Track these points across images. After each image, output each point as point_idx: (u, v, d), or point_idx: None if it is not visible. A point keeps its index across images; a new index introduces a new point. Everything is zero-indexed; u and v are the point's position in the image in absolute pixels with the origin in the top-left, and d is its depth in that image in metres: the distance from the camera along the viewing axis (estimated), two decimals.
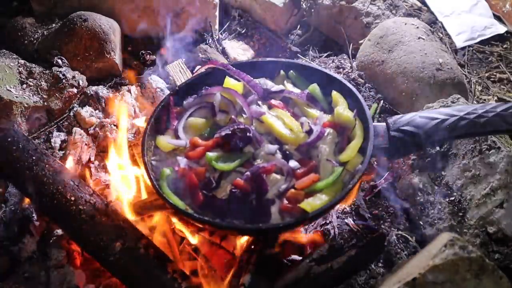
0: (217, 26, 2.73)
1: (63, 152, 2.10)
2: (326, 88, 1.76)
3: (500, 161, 1.68)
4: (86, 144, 2.07)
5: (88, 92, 2.31)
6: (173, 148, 1.67)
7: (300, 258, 1.66)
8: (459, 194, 1.72)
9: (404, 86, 2.24)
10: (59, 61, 2.33)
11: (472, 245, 1.48)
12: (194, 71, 2.30)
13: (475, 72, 2.64)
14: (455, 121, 1.53)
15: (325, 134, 1.62)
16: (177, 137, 1.69)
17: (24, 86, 2.22)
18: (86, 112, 2.23)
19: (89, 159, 2.07)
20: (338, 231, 1.74)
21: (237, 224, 1.48)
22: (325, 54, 2.68)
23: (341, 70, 2.50)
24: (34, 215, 1.79)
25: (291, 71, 1.85)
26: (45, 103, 2.21)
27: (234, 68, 1.81)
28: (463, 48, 2.75)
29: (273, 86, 1.78)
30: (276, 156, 1.58)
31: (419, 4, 2.92)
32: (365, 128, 1.62)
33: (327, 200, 1.48)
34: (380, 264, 1.70)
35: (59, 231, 1.76)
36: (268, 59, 1.98)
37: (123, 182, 1.88)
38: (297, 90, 1.78)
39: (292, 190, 1.51)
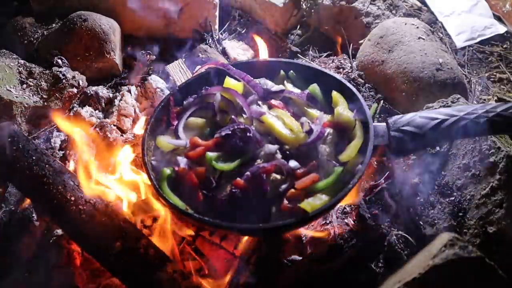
0: (217, 26, 2.73)
1: (63, 152, 2.10)
2: (326, 88, 1.76)
3: (500, 161, 1.68)
4: (86, 144, 2.07)
5: (88, 92, 2.31)
6: (173, 148, 1.67)
7: (300, 258, 1.67)
8: (459, 194, 1.72)
9: (404, 86, 2.24)
10: (59, 61, 2.33)
11: (472, 245, 1.48)
12: (194, 71, 2.30)
13: (475, 72, 2.64)
14: (455, 121, 1.53)
15: (325, 134, 1.62)
16: (177, 137, 1.69)
17: (24, 86, 2.22)
18: (86, 112, 2.23)
19: (89, 159, 2.07)
20: (338, 231, 1.74)
21: (237, 224, 1.48)
22: (325, 54, 2.68)
23: (341, 70, 2.50)
24: (34, 215, 1.79)
25: (291, 71, 1.85)
26: (45, 103, 2.22)
27: (234, 68, 1.81)
28: (463, 48, 2.75)
29: (273, 86, 1.78)
30: (276, 156, 1.58)
31: (419, 4, 2.92)
32: (365, 128, 1.62)
33: (327, 200, 1.48)
34: (380, 264, 1.70)
35: (59, 231, 1.76)
36: (268, 59, 1.98)
37: (124, 184, 1.88)
38: (297, 90, 1.78)
39: (292, 190, 1.51)
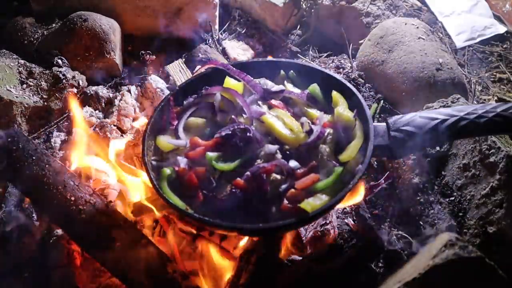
0: (217, 26, 2.73)
1: (63, 152, 2.10)
2: (326, 88, 1.76)
3: (500, 161, 1.68)
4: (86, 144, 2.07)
5: (88, 92, 2.31)
6: (173, 148, 1.67)
7: (300, 258, 1.67)
8: (459, 194, 1.72)
9: (404, 86, 2.24)
10: (59, 61, 2.33)
11: (472, 245, 1.48)
12: (194, 71, 2.30)
13: (475, 72, 2.64)
14: (455, 121, 1.53)
15: (325, 134, 1.62)
16: (177, 137, 1.69)
17: (24, 86, 2.22)
18: (86, 112, 2.23)
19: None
20: (338, 231, 1.74)
21: (237, 224, 1.48)
22: (325, 54, 2.68)
23: (341, 70, 2.50)
24: (34, 215, 1.79)
25: (291, 71, 1.85)
26: (45, 103, 2.21)
27: (234, 68, 1.81)
28: (463, 48, 2.75)
29: (273, 86, 1.78)
30: (276, 156, 1.58)
31: (419, 4, 2.92)
32: (365, 128, 1.62)
33: (327, 200, 1.48)
34: (380, 264, 1.70)
35: (59, 231, 1.76)
36: (268, 59, 1.98)
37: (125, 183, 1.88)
38: (297, 90, 1.78)
39: (292, 190, 1.51)
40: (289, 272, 1.62)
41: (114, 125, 2.17)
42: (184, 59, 2.44)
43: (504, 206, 1.61)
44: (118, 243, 1.57)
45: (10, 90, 2.16)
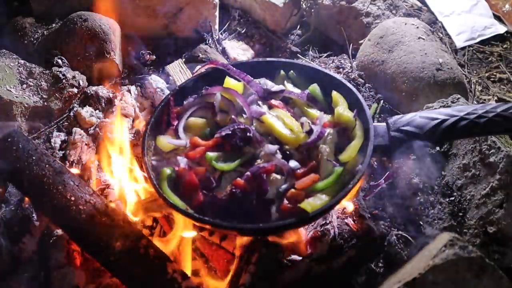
0: (217, 26, 2.73)
1: (63, 152, 2.10)
2: (326, 88, 1.76)
3: (500, 161, 1.68)
4: (86, 144, 2.07)
5: (88, 92, 2.31)
6: (173, 148, 1.67)
7: (300, 258, 1.67)
8: (459, 194, 1.72)
9: (404, 86, 2.24)
10: (59, 61, 2.33)
11: (472, 245, 1.48)
12: (194, 71, 2.30)
13: (475, 72, 2.64)
14: (455, 121, 1.53)
15: (325, 134, 1.62)
16: (177, 137, 1.69)
17: (24, 86, 2.22)
18: (86, 112, 2.22)
19: (89, 159, 2.07)
20: (338, 231, 1.74)
21: (237, 224, 1.48)
22: (325, 54, 2.68)
23: (341, 70, 2.50)
24: (34, 215, 1.79)
25: (291, 71, 1.85)
26: (45, 103, 2.21)
27: (234, 68, 1.81)
28: (463, 48, 2.75)
29: (273, 86, 1.78)
30: (276, 156, 1.58)
31: (419, 4, 2.92)
32: (365, 128, 1.62)
33: (327, 200, 1.48)
34: (380, 264, 1.70)
35: (59, 231, 1.76)
36: (268, 59, 1.98)
37: (124, 182, 1.88)
38: (297, 90, 1.78)
39: (292, 190, 1.51)
40: (289, 272, 1.62)
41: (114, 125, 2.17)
42: (184, 59, 2.44)
43: (504, 206, 1.61)
44: (118, 243, 1.57)
45: (10, 90, 2.16)
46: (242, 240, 1.70)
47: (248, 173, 1.51)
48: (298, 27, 2.82)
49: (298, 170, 1.54)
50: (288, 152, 1.61)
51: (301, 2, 2.80)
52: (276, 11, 2.74)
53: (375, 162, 2.02)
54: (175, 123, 1.72)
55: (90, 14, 2.45)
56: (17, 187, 1.78)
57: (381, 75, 2.35)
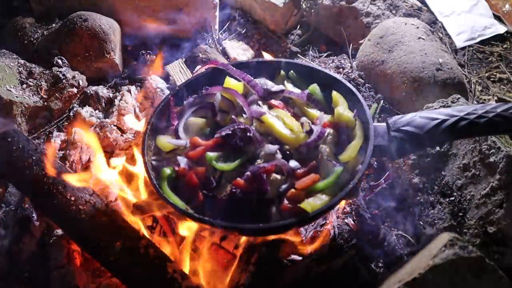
0: (217, 26, 2.73)
1: (63, 152, 2.10)
2: (327, 88, 1.76)
3: (500, 161, 1.68)
4: (85, 144, 2.07)
5: (88, 92, 2.31)
6: (173, 148, 1.67)
7: (300, 258, 1.67)
8: (459, 194, 1.72)
9: (404, 86, 2.24)
10: (59, 61, 2.33)
11: (472, 245, 1.48)
12: (194, 71, 2.30)
13: (475, 72, 2.64)
14: (455, 121, 1.53)
15: (325, 134, 1.62)
16: (177, 137, 1.69)
17: (24, 86, 2.22)
18: (86, 112, 2.23)
19: (89, 159, 2.07)
20: (338, 231, 1.74)
21: (237, 224, 1.48)
22: (325, 54, 2.68)
23: (341, 70, 2.50)
24: (34, 215, 1.79)
25: (291, 71, 1.85)
26: (45, 103, 2.21)
27: (234, 68, 1.81)
28: (463, 48, 2.75)
29: (273, 86, 1.78)
30: (276, 156, 1.58)
31: (419, 4, 2.92)
32: (366, 128, 1.62)
33: (327, 200, 1.48)
34: (380, 264, 1.70)
35: (59, 231, 1.76)
36: (268, 59, 1.97)
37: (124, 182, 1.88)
38: (297, 90, 1.78)
39: (292, 190, 1.51)
40: (289, 272, 1.62)
41: (114, 125, 2.17)
42: (184, 59, 2.44)
43: (504, 206, 1.61)
44: (118, 243, 1.57)
45: (10, 90, 2.16)
46: (242, 240, 1.70)
47: (248, 173, 1.51)
48: (298, 27, 2.82)
49: (298, 170, 1.54)
50: (288, 152, 1.61)
51: (301, 2, 2.79)
52: (276, 11, 2.74)
53: (375, 162, 2.02)
54: (175, 123, 1.72)
55: (90, 14, 2.46)
56: (17, 187, 1.78)
57: (381, 75, 2.35)
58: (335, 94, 1.73)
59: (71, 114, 2.25)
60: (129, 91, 2.33)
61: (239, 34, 2.79)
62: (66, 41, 2.39)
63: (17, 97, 2.15)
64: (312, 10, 2.77)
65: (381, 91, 2.36)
